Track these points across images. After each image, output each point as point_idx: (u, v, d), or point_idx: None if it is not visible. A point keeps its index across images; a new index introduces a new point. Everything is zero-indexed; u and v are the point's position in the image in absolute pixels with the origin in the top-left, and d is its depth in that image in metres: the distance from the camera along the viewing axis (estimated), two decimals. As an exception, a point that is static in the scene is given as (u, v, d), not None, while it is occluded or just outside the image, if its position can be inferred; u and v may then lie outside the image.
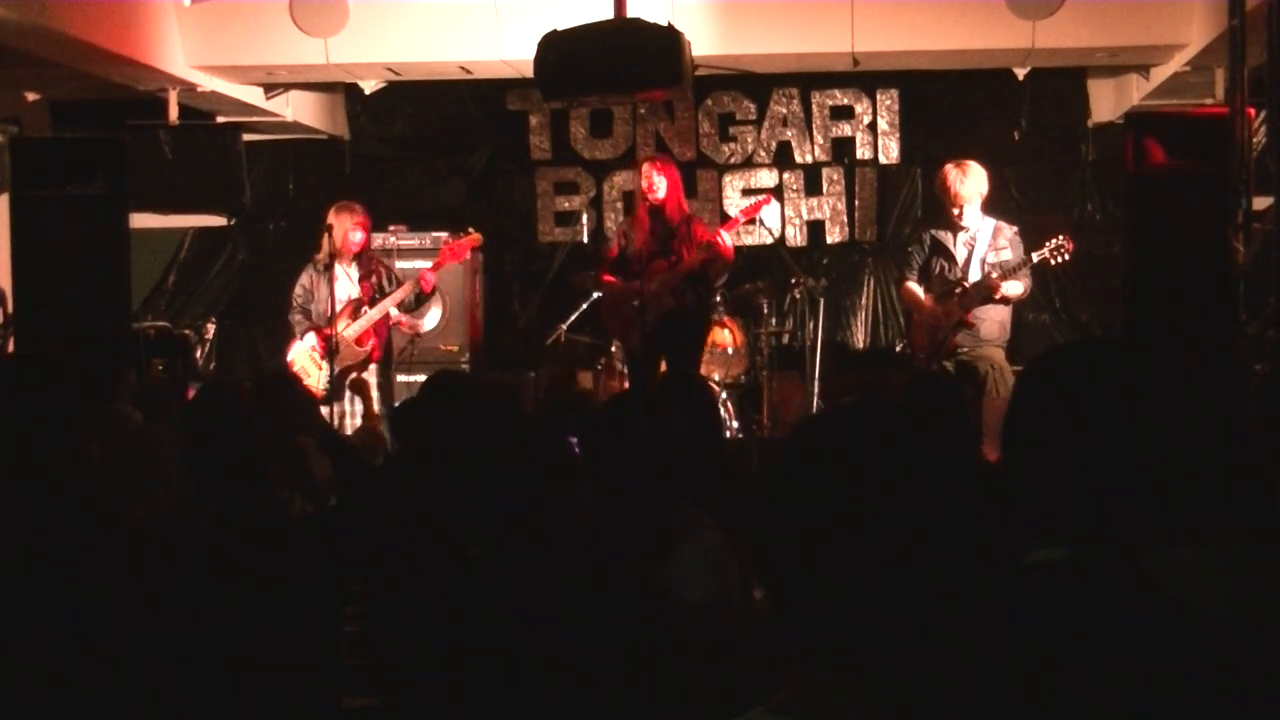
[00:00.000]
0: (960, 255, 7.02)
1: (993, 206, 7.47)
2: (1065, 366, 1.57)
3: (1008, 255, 6.99)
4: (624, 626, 2.49)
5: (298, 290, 7.50)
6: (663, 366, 7.38)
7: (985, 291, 6.89)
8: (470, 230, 7.95)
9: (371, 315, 7.36)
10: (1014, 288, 6.97)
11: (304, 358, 7.37)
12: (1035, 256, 6.94)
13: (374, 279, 7.48)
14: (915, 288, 7.18)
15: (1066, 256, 6.95)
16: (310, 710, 3.10)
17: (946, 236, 7.08)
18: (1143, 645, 1.39)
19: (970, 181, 6.98)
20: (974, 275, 6.96)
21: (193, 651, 2.92)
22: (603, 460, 3.11)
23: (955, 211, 7.01)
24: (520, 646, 2.42)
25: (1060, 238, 6.94)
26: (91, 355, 4.21)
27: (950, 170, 7.07)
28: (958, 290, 6.94)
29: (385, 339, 7.60)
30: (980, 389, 6.63)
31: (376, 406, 7.38)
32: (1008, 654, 1.39)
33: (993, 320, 6.97)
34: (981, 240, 7.01)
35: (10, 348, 7.56)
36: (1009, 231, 7.10)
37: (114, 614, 2.88)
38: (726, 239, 7.37)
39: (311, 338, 7.35)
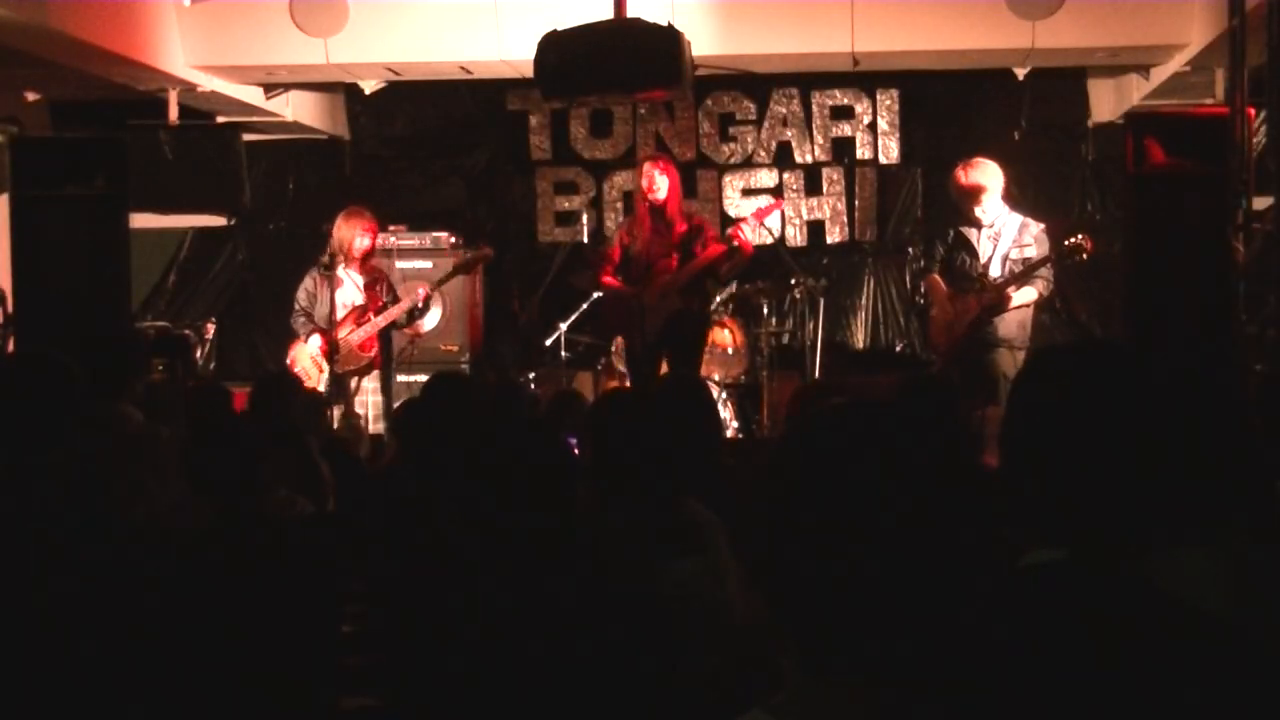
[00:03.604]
0: (984, 250, 6.87)
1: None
2: (1061, 368, 1.57)
3: (1032, 253, 6.84)
4: (624, 626, 2.49)
5: (301, 293, 7.50)
6: (664, 368, 7.36)
7: (997, 305, 6.76)
8: (483, 245, 7.95)
9: (377, 322, 7.37)
10: (1027, 294, 6.81)
11: (306, 359, 7.38)
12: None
13: (379, 287, 7.49)
14: (938, 281, 7.05)
15: (1085, 256, 6.82)
16: (308, 710, 3.10)
17: (971, 232, 6.94)
18: (1141, 646, 1.39)
19: (977, 172, 6.87)
20: (995, 271, 6.82)
21: (191, 651, 2.92)
22: (605, 460, 3.11)
23: (976, 205, 6.86)
24: (520, 647, 2.42)
25: (1079, 236, 6.78)
26: (94, 355, 4.20)
27: (960, 168, 6.97)
28: (976, 287, 6.83)
29: (385, 342, 7.61)
30: (991, 393, 6.43)
31: (363, 413, 7.41)
32: (1005, 654, 1.39)
33: (1012, 320, 6.81)
34: (1006, 235, 6.87)
35: (10, 348, 7.56)
36: (1035, 228, 6.93)
37: (113, 613, 2.88)
38: (747, 233, 7.33)
39: (316, 340, 7.35)
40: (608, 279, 7.45)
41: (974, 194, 6.88)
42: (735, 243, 7.28)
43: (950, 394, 4.28)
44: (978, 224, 6.93)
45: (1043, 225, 7.03)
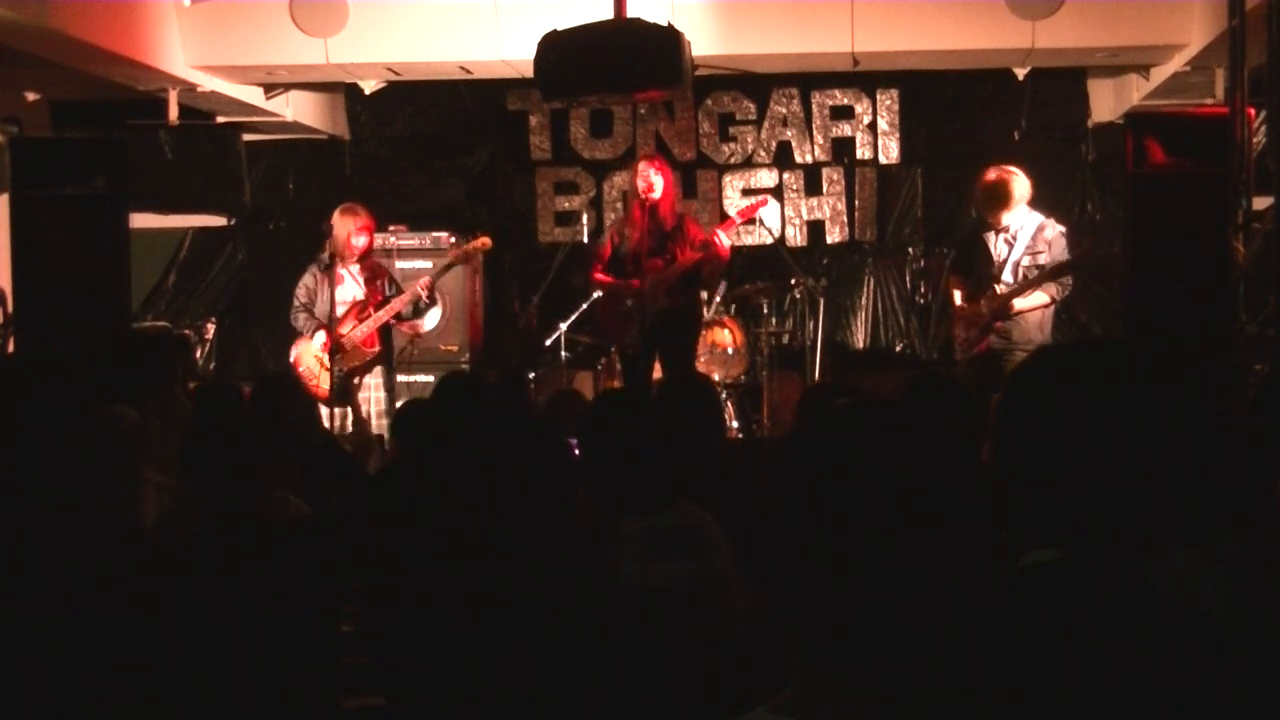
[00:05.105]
0: (999, 254, 6.81)
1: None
2: (1059, 368, 1.57)
3: (1045, 259, 6.74)
4: (626, 626, 2.49)
5: (300, 290, 7.48)
6: (657, 366, 7.35)
7: (1002, 312, 6.73)
8: (481, 234, 7.94)
9: (379, 317, 7.35)
10: (1037, 298, 6.74)
11: (310, 358, 7.36)
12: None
13: (379, 282, 7.47)
14: (956, 281, 7.04)
15: (1093, 266, 6.75)
16: (310, 710, 3.11)
17: (988, 235, 6.89)
18: (1139, 645, 1.39)
19: (1010, 179, 6.79)
20: (1007, 277, 6.76)
21: (192, 651, 2.92)
22: (603, 460, 3.11)
23: (997, 210, 6.79)
24: (521, 647, 2.42)
25: (1089, 244, 6.75)
26: (102, 355, 4.20)
27: (992, 171, 6.89)
28: (987, 293, 6.77)
29: (387, 338, 7.60)
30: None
31: (365, 410, 7.39)
32: (1005, 653, 1.39)
33: (1031, 321, 6.76)
34: (1021, 240, 6.78)
35: (10, 348, 7.56)
36: (1051, 231, 6.82)
37: (114, 613, 2.88)
38: (724, 238, 7.32)
39: (320, 338, 7.34)
40: (599, 275, 7.45)
41: (998, 200, 6.78)
42: (711, 245, 7.25)
43: (957, 393, 4.27)
44: (995, 228, 6.86)
45: (1062, 229, 6.92)
